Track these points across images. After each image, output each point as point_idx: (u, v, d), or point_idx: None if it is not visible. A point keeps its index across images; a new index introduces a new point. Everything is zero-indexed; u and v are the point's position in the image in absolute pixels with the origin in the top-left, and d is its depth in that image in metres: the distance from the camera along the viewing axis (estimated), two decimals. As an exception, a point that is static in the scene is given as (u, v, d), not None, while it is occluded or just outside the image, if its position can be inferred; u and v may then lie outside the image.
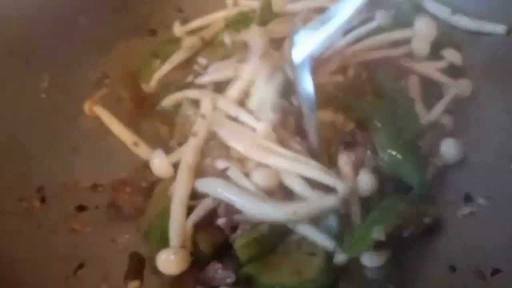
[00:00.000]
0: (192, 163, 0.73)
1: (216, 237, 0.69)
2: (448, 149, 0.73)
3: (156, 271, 0.65)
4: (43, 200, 0.74)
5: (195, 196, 0.71)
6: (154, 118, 0.88)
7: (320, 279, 0.64)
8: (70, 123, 0.84)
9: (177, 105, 0.85)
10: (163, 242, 0.67)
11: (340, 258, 0.64)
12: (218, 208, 0.69)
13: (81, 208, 0.75)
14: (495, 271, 0.58)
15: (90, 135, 0.85)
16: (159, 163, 0.76)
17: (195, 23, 1.01)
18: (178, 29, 1.00)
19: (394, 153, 0.71)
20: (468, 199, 0.68)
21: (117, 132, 0.85)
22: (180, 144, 0.78)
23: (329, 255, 0.66)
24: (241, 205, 0.66)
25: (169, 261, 0.65)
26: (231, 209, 0.67)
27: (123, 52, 0.96)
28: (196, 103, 0.81)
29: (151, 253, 0.68)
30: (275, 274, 0.65)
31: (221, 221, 0.68)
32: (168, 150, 0.78)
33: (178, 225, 0.68)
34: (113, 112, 0.87)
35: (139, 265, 0.68)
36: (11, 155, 0.76)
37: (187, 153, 0.74)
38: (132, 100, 0.92)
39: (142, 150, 0.82)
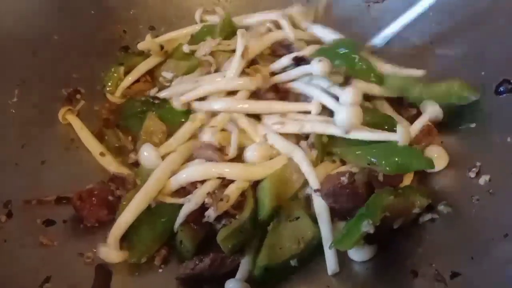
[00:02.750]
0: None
1: (198, 232, 0.72)
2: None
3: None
4: (9, 214, 0.73)
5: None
6: (119, 129, 0.90)
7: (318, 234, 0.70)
8: (39, 137, 0.84)
9: (141, 118, 0.86)
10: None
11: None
12: (206, 198, 0.71)
13: (48, 222, 0.75)
14: (454, 274, 0.60)
15: (59, 149, 0.86)
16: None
17: (164, 37, 1.04)
18: (148, 40, 1.01)
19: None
20: (430, 206, 0.70)
21: (85, 142, 0.86)
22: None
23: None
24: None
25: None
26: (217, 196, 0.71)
27: (96, 67, 0.97)
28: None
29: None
30: (282, 252, 0.69)
31: (209, 212, 0.70)
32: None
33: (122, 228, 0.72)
34: (84, 123, 0.89)
35: (106, 278, 0.68)
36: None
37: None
38: (102, 113, 0.93)
39: (108, 161, 0.83)
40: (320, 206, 0.72)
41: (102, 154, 0.85)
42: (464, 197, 0.69)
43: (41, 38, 0.92)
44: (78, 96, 0.94)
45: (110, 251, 0.70)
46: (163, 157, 0.78)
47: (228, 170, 0.75)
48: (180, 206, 0.74)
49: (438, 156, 0.76)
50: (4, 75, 0.85)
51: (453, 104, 0.79)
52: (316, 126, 0.78)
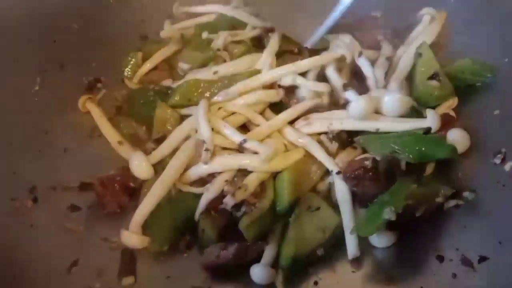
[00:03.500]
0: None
1: (219, 220, 0.73)
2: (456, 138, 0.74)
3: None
4: (35, 200, 0.74)
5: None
6: (132, 118, 0.90)
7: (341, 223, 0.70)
8: (61, 124, 0.85)
9: (153, 106, 0.86)
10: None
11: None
12: (225, 186, 0.72)
13: (73, 208, 0.76)
14: (482, 259, 0.60)
15: (82, 136, 0.86)
16: (138, 164, 0.77)
17: (182, 24, 1.04)
18: (167, 27, 1.02)
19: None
20: (454, 192, 0.70)
21: (104, 131, 0.86)
22: (159, 142, 0.82)
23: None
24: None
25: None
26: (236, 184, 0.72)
27: (116, 56, 0.98)
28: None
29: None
30: (308, 242, 0.69)
31: (227, 200, 0.70)
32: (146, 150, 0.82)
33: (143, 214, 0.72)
34: (103, 112, 0.89)
35: (131, 262, 0.69)
36: (3, 156, 0.76)
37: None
38: (116, 100, 0.94)
39: (125, 150, 0.83)
40: (342, 191, 0.72)
41: (120, 142, 0.85)
42: (489, 184, 0.68)
43: (61, 27, 0.93)
44: (99, 84, 0.94)
45: (132, 236, 0.71)
46: (154, 166, 0.78)
47: (248, 161, 0.74)
48: (201, 195, 0.74)
49: (460, 138, 0.74)
50: (25, 64, 0.85)
51: (469, 82, 0.79)
52: (346, 123, 0.77)
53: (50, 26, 0.91)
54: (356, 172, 0.70)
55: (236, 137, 0.76)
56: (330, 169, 0.74)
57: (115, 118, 0.90)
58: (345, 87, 0.82)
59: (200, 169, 0.76)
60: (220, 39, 0.92)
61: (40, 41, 0.89)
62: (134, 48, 1.00)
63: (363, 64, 0.85)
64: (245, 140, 0.75)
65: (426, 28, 0.90)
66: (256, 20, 0.97)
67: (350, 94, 0.80)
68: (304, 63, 0.84)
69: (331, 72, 0.85)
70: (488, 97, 0.78)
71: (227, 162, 0.75)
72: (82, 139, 0.86)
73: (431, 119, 0.73)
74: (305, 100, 0.83)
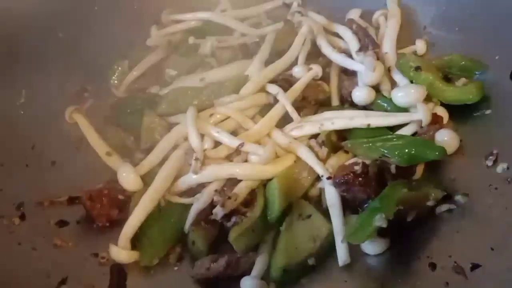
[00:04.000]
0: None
1: (210, 231, 0.72)
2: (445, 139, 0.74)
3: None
4: (22, 217, 0.73)
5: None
6: (120, 128, 0.89)
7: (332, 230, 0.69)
8: (48, 137, 0.84)
9: (141, 115, 0.85)
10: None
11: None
12: (214, 196, 0.71)
13: (62, 223, 0.75)
14: (475, 266, 0.59)
15: (69, 148, 0.85)
16: (126, 176, 0.76)
17: (168, 29, 1.03)
18: (154, 34, 1.02)
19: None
20: (446, 196, 0.69)
21: (91, 142, 0.85)
22: (148, 151, 0.80)
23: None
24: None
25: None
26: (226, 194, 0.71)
27: (102, 64, 0.96)
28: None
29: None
30: (298, 251, 0.68)
31: (216, 210, 0.69)
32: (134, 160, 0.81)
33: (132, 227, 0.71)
34: (90, 122, 0.88)
35: (121, 277, 0.68)
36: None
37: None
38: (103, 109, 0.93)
39: (114, 161, 0.82)
40: (332, 197, 0.71)
41: (108, 154, 0.83)
42: (481, 186, 0.67)
43: (46, 37, 0.91)
44: (86, 94, 0.93)
45: (121, 251, 0.70)
46: (143, 177, 0.77)
47: (238, 170, 0.74)
48: (190, 206, 0.73)
49: (448, 139, 0.73)
50: (11, 76, 0.84)
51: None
52: (337, 122, 0.77)
53: (35, 36, 0.89)
54: (346, 177, 0.69)
55: (233, 142, 0.75)
56: (320, 174, 0.73)
57: (103, 128, 0.88)
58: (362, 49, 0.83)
59: (189, 179, 0.76)
60: (207, 45, 0.91)
61: (24, 52, 0.87)
62: (120, 55, 0.99)
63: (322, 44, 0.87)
64: (242, 144, 0.74)
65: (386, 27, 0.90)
66: (245, 26, 0.96)
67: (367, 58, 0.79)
68: (280, 63, 0.85)
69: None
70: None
71: (217, 172, 0.74)
72: (70, 152, 0.85)
73: (422, 112, 0.71)
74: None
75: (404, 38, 0.90)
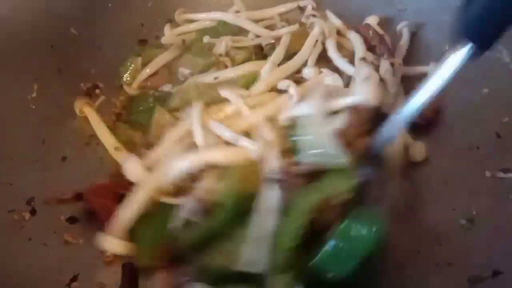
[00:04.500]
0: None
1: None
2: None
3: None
4: (33, 212, 0.72)
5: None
6: (130, 125, 0.88)
7: None
8: (59, 132, 0.83)
9: (151, 112, 0.84)
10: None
11: None
12: None
13: (72, 219, 0.74)
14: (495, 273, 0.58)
15: (80, 144, 0.85)
16: (132, 168, 0.75)
17: (182, 29, 1.02)
18: (168, 33, 1.01)
19: None
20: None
21: (101, 136, 0.85)
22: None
23: None
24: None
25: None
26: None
27: (115, 62, 0.96)
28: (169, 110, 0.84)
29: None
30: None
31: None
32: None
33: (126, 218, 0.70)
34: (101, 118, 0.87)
35: (132, 275, 0.67)
36: (1, 166, 0.73)
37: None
38: (116, 106, 0.92)
39: (122, 156, 0.81)
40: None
41: (117, 149, 0.83)
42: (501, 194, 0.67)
43: (59, 32, 0.90)
44: (97, 91, 0.92)
45: (112, 241, 0.69)
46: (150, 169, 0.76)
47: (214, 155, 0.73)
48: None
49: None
50: (22, 70, 0.83)
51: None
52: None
53: (47, 31, 0.88)
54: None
55: (232, 136, 0.75)
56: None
57: (113, 124, 0.89)
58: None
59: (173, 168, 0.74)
60: (222, 44, 0.91)
61: (37, 47, 0.86)
62: (133, 53, 0.98)
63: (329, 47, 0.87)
64: (237, 138, 0.74)
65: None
66: (259, 28, 0.95)
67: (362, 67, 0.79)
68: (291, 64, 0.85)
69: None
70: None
71: (192, 160, 0.73)
72: (80, 147, 0.84)
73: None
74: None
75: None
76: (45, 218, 0.72)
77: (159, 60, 0.97)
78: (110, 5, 0.99)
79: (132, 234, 0.71)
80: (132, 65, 0.96)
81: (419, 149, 0.75)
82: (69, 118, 0.86)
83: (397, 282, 0.61)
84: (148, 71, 0.96)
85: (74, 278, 0.66)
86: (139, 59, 0.97)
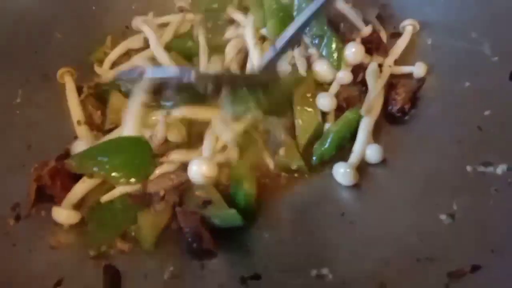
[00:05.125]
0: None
1: (159, 220, 0.71)
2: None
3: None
4: (17, 218, 0.72)
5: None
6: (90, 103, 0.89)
7: None
8: (44, 137, 0.83)
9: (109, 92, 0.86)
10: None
11: None
12: None
13: (57, 224, 0.74)
14: (475, 268, 0.58)
15: (63, 148, 0.83)
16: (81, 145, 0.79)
17: (166, 18, 1.02)
18: (135, 23, 1.01)
19: None
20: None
21: (70, 105, 0.87)
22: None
23: None
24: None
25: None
26: None
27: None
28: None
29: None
30: None
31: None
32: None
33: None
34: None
35: (115, 278, 0.67)
36: (-15, 174, 0.74)
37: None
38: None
39: (82, 130, 0.84)
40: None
41: (79, 122, 0.84)
42: (482, 188, 0.67)
43: (43, 37, 0.91)
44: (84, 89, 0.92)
45: (62, 212, 0.71)
46: None
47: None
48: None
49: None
50: (6, 76, 0.84)
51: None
52: None
53: (31, 35, 0.89)
54: None
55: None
56: None
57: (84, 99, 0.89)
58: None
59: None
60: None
61: (21, 52, 0.87)
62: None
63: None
64: None
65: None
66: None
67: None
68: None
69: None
70: (479, 97, 0.75)
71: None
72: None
73: None
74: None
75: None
76: (30, 223, 0.72)
77: (128, 41, 0.97)
78: (94, 8, 0.99)
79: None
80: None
81: (374, 152, 0.75)
82: (55, 122, 0.86)
83: (378, 277, 0.60)
84: (117, 51, 0.95)
85: (59, 283, 0.66)
86: (109, 38, 0.98)
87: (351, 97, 0.80)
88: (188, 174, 0.70)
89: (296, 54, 0.83)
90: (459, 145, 0.70)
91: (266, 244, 0.68)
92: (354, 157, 0.75)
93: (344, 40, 0.84)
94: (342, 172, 0.72)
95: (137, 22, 0.99)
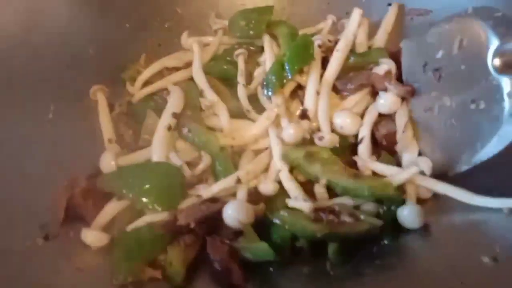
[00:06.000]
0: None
1: (188, 253, 0.69)
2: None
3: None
4: (46, 237, 0.71)
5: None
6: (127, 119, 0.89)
7: None
8: (74, 155, 0.82)
9: (144, 112, 0.85)
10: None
11: None
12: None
13: (85, 246, 0.73)
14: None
15: (94, 167, 0.82)
16: (106, 161, 0.79)
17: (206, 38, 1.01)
18: (185, 39, 1.01)
19: None
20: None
21: (101, 122, 0.87)
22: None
23: None
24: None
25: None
26: None
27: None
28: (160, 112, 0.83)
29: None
30: None
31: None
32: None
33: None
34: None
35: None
36: (16, 188, 0.73)
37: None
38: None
39: (112, 149, 0.83)
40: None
41: (110, 141, 0.85)
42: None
43: (76, 52, 0.91)
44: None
45: (91, 233, 0.71)
46: None
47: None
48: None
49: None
50: (39, 91, 0.84)
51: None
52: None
53: (65, 51, 0.89)
54: None
55: None
56: None
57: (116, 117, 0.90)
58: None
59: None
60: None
61: (54, 67, 0.87)
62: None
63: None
64: None
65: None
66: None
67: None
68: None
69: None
70: None
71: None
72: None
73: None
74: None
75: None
76: (58, 244, 0.71)
77: (163, 60, 0.96)
78: (127, 25, 0.99)
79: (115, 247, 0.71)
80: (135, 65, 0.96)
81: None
82: (85, 140, 0.85)
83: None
84: (149, 71, 0.94)
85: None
86: (143, 56, 0.97)
87: (391, 134, 0.78)
88: (223, 216, 0.69)
89: None
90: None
91: (303, 282, 0.66)
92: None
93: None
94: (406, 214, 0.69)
95: (188, 39, 0.99)
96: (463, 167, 0.71)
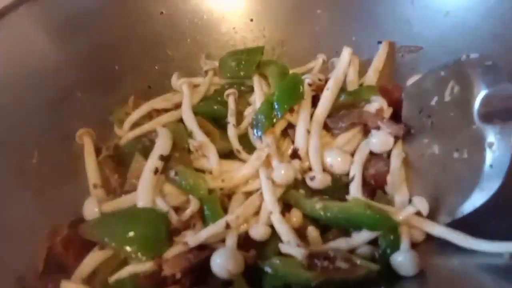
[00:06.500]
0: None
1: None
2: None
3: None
4: (22, 291, 0.66)
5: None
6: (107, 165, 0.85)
7: None
8: (57, 202, 0.78)
9: (131, 155, 0.81)
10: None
11: None
12: None
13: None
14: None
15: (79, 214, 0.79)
16: (89, 208, 0.75)
17: (196, 79, 1.00)
18: (175, 81, 0.99)
19: None
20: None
21: (87, 167, 0.84)
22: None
23: None
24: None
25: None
26: None
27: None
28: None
29: None
30: None
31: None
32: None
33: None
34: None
35: None
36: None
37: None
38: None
39: (97, 194, 0.80)
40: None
41: (95, 186, 0.81)
42: None
43: (63, 96, 0.89)
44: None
45: (71, 286, 0.66)
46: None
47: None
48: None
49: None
50: (25, 135, 0.81)
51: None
52: None
53: (51, 94, 0.88)
54: None
55: None
56: None
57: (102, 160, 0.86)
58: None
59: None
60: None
61: (40, 110, 0.85)
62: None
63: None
64: None
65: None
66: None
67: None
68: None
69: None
70: None
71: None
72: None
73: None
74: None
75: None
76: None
77: (152, 102, 0.94)
78: (116, 67, 0.98)
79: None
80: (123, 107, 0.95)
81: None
82: (72, 185, 0.82)
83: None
84: (137, 113, 0.92)
85: None
86: (131, 98, 0.96)
87: (380, 174, 0.74)
88: (211, 265, 0.64)
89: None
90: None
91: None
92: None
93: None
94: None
95: (178, 80, 0.98)
96: (447, 219, 0.67)
